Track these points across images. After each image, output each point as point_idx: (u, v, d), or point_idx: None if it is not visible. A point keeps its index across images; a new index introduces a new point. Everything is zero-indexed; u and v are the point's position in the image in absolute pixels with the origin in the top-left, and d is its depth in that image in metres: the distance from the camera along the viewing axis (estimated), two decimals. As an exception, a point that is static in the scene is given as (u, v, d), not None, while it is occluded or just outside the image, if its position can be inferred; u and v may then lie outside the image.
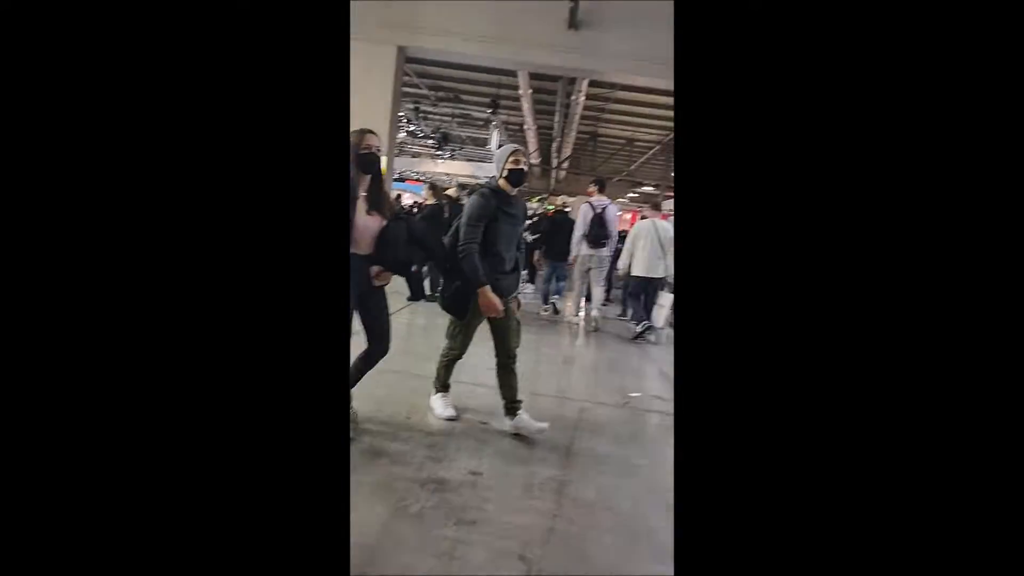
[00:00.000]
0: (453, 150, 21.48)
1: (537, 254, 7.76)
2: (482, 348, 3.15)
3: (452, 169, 22.22)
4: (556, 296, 7.42)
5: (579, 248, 6.30)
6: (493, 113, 14.26)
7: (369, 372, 2.77)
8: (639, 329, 5.92)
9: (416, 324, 5.65)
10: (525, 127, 16.31)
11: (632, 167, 20.95)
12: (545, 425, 2.98)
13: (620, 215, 8.79)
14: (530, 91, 11.98)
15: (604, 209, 6.21)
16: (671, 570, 0.87)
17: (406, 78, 14.54)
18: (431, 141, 19.53)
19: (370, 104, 11.76)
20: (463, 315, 2.87)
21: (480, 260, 2.76)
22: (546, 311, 7.03)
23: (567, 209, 8.67)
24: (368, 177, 2.58)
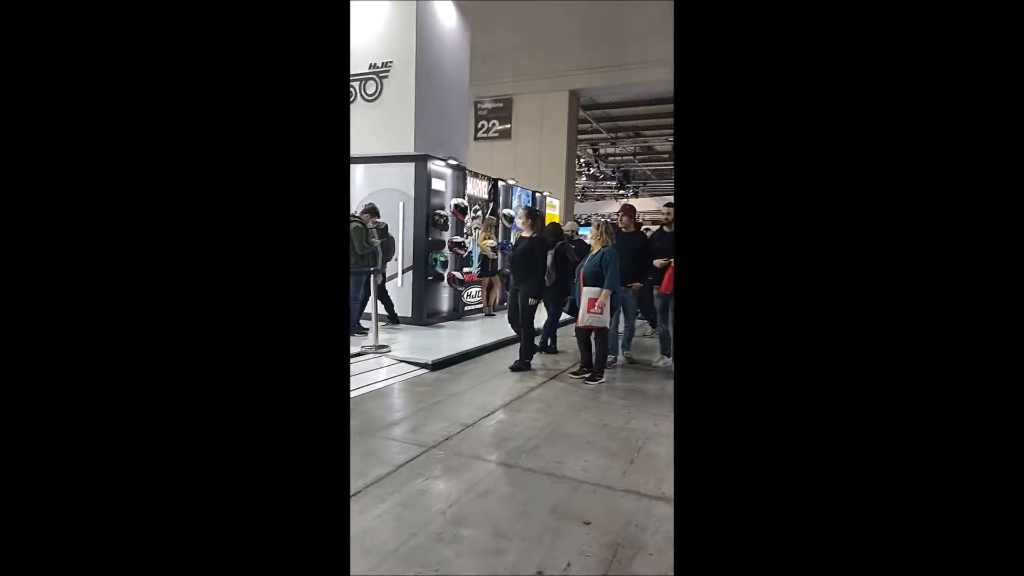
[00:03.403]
0: (636, 187, 21.37)
1: None
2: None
3: (639, 206, 22.06)
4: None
5: None
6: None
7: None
8: None
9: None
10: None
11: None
12: None
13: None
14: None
15: None
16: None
17: (584, 125, 15.17)
18: (613, 182, 19.76)
19: (548, 152, 12.60)
20: None
21: None
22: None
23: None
24: None
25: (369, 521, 2.13)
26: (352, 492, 2.36)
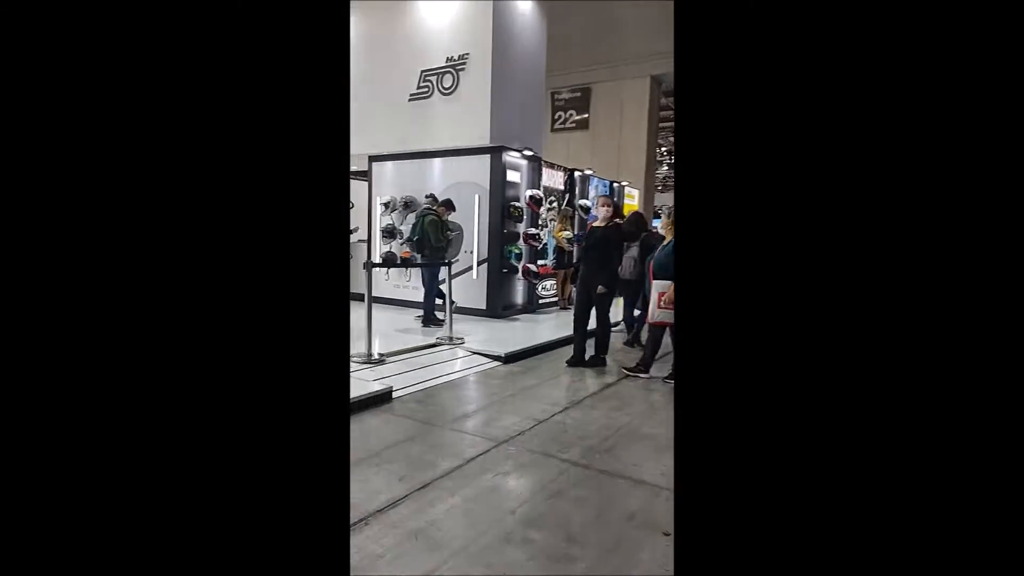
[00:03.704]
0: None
1: None
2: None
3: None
4: None
5: None
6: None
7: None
8: None
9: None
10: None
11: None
12: None
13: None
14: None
15: None
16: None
17: (667, 112, 14.52)
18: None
19: (627, 141, 12.18)
20: None
21: None
22: None
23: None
24: None
25: (437, 515, 2.08)
26: (420, 484, 2.33)
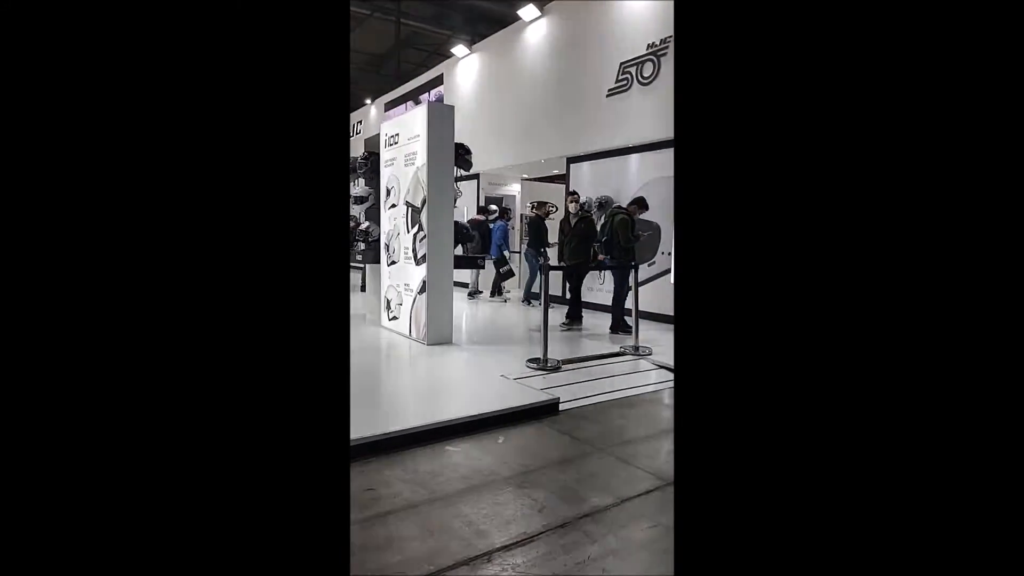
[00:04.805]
0: None
1: None
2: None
3: None
4: None
5: None
6: None
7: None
8: None
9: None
10: None
11: None
12: None
13: None
14: None
15: None
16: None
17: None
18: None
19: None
20: None
21: None
22: None
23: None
24: None
25: (567, 566, 1.76)
26: (560, 521, 2.03)
